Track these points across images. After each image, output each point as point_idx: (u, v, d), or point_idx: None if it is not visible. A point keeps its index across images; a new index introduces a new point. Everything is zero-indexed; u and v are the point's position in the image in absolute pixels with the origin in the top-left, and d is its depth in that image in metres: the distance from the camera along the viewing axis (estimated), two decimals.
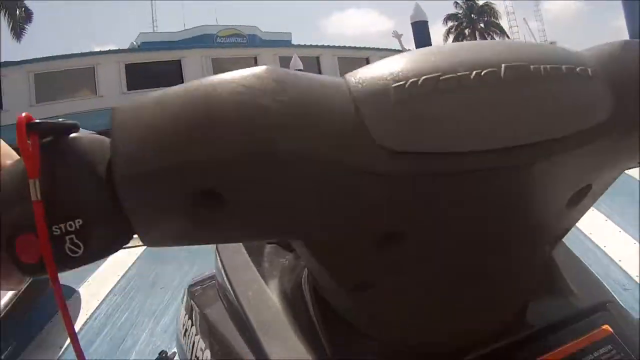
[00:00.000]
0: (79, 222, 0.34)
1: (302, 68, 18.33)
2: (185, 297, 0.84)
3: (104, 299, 4.53)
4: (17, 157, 0.40)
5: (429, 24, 15.25)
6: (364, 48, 38.34)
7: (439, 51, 0.38)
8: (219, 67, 33.07)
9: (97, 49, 69.07)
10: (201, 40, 34.62)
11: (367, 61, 37.23)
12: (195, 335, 0.71)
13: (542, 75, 0.36)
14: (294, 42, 38.73)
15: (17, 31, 25.09)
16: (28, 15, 25.47)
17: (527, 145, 0.35)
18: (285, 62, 19.68)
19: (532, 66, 0.36)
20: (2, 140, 0.43)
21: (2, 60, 27.80)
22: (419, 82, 0.35)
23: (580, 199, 0.43)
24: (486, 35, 48.79)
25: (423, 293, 0.43)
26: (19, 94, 28.27)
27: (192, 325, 0.74)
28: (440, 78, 0.35)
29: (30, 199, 0.33)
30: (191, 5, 79.42)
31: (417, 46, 13.98)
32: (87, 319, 4.18)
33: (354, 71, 0.39)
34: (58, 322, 4.04)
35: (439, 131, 0.34)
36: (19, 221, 0.34)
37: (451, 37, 47.56)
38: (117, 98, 29.58)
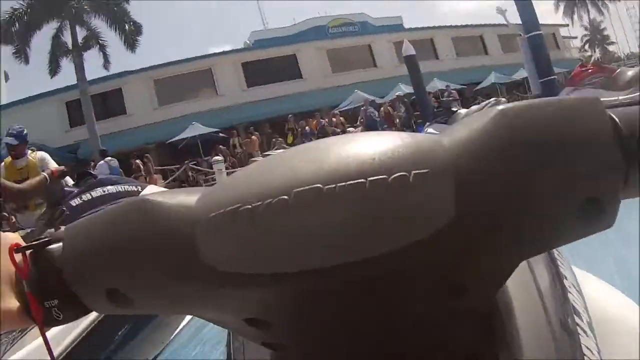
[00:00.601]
0: (55, 301, 0.53)
1: (414, 53, 17.84)
2: None
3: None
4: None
5: None
6: (475, 25, 37.16)
7: (252, 171, 0.47)
8: (335, 57, 33.06)
9: (212, 50, 71.39)
10: (313, 33, 34.63)
11: (482, 39, 36.27)
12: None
13: (335, 196, 0.39)
14: (405, 25, 38.02)
15: (130, 43, 26.03)
16: (137, 29, 26.40)
17: (346, 264, 0.39)
18: (399, 47, 19.16)
19: (325, 188, 0.39)
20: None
21: (121, 70, 28.93)
22: (224, 215, 0.42)
23: (463, 295, 0.43)
24: (597, 1, 46.37)
25: None
26: (141, 100, 29.49)
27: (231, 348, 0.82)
28: (238, 210, 0.41)
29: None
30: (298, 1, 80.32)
31: (523, 20, 13.79)
32: (190, 320, 4.33)
33: (206, 190, 0.48)
34: (162, 323, 4.19)
35: (245, 257, 0.42)
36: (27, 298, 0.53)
37: (562, 4, 45.25)
38: (238, 95, 30.19)
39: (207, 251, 0.43)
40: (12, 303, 0.54)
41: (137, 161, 18.55)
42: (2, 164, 5.33)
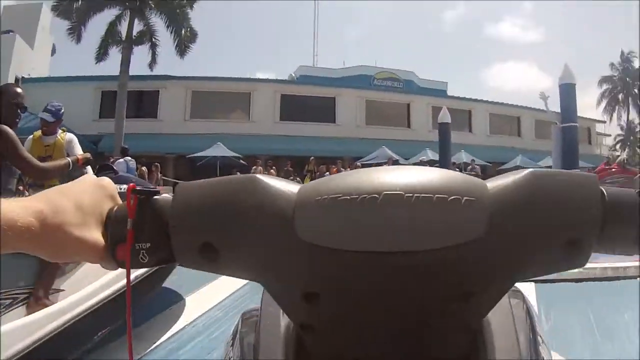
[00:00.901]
0: (148, 244, 0.62)
1: (449, 121, 17.91)
2: (237, 322, 0.93)
3: (207, 311, 4.97)
4: (120, 201, 0.69)
5: (587, 83, 14.28)
6: (516, 106, 37.23)
7: (347, 176, 0.59)
8: (372, 109, 33.13)
9: (257, 74, 72.24)
10: (358, 80, 34.68)
11: (518, 120, 36.26)
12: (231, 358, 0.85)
13: (412, 202, 0.54)
14: (450, 91, 38.30)
15: (182, 49, 26.05)
16: (193, 36, 26.42)
17: (407, 252, 0.53)
18: (437, 112, 19.17)
19: (405, 195, 0.54)
20: (112, 183, 0.69)
21: (164, 74, 29.01)
22: (325, 200, 0.56)
23: (469, 300, 0.57)
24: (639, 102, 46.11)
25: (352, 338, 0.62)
26: (175, 108, 29.70)
27: (231, 349, 0.87)
28: (337, 198, 0.55)
29: (127, 227, 0.62)
30: (353, 44, 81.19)
31: (562, 109, 13.69)
32: (186, 325, 4.52)
33: (308, 183, 0.60)
34: (159, 322, 4.58)
35: (335, 234, 0.54)
36: (120, 237, 0.62)
37: (604, 101, 45.04)
38: (269, 126, 30.29)
39: (304, 227, 0.56)
40: (99, 239, 0.63)
41: (144, 168, 18.46)
42: (31, 136, 5.36)
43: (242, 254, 0.59)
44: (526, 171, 0.58)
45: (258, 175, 0.61)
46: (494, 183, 0.58)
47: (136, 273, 3.75)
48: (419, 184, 0.55)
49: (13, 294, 3.15)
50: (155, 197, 0.65)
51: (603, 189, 0.59)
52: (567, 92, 13.59)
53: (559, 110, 14.19)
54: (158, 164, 20.27)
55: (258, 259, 0.59)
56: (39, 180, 3.43)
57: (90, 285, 3.59)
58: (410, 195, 0.54)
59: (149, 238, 0.63)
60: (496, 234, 0.54)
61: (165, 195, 0.65)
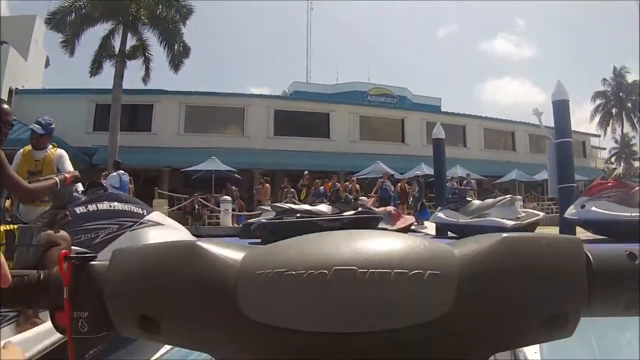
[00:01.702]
0: (86, 313, 0.59)
1: (443, 137, 18.00)
2: None
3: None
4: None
5: (580, 98, 14.41)
6: (510, 121, 37.58)
7: (295, 244, 0.54)
8: (366, 124, 33.26)
9: (251, 89, 72.43)
10: (351, 96, 34.87)
11: (512, 135, 36.48)
12: None
13: (366, 279, 0.48)
14: (444, 106, 38.54)
15: (175, 63, 26.14)
16: (186, 51, 26.55)
17: (360, 334, 0.48)
18: (431, 127, 19.29)
19: (359, 270, 0.49)
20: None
21: (158, 88, 29.07)
22: (268, 275, 0.50)
23: None
24: (633, 117, 46.54)
25: None
26: (169, 122, 29.71)
27: None
28: (283, 273, 0.50)
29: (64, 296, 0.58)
30: (346, 60, 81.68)
31: (556, 125, 13.89)
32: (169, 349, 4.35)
33: (253, 250, 0.56)
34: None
35: (280, 313, 0.50)
36: (59, 304, 0.59)
37: (598, 115, 45.41)
38: (264, 141, 30.33)
39: (247, 302, 0.51)
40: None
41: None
42: (21, 150, 5.29)
43: (183, 328, 0.55)
44: (499, 236, 0.52)
45: (199, 242, 0.56)
46: (462, 249, 0.52)
47: None
48: (375, 256, 0.50)
49: (2, 312, 3.01)
50: (92, 262, 0.62)
51: (588, 253, 0.54)
52: (561, 108, 13.82)
53: (553, 125, 14.32)
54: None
55: (201, 334, 0.55)
56: (26, 200, 3.36)
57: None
58: (365, 270, 0.49)
59: (86, 307, 0.59)
60: (465, 311, 0.49)
61: (103, 261, 0.61)
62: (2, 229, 3.14)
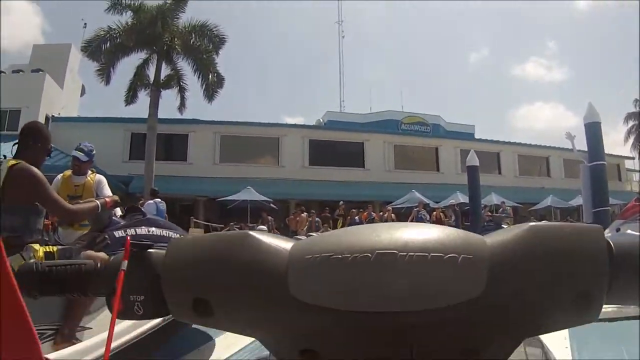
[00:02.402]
0: (142, 297, 0.64)
1: (478, 165, 17.88)
2: None
3: (236, 352, 4.61)
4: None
5: (614, 119, 14.10)
6: (543, 147, 37.06)
7: (341, 233, 0.60)
8: (401, 153, 33.22)
9: (285, 118, 72.88)
10: (385, 125, 34.82)
11: (547, 161, 35.96)
12: None
13: (406, 261, 0.53)
14: (477, 133, 38.29)
15: (210, 93, 26.21)
16: (220, 81, 26.54)
17: (401, 312, 0.52)
18: (465, 155, 19.25)
19: (399, 253, 0.53)
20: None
21: (192, 117, 29.38)
22: (317, 259, 0.55)
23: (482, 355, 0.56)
24: None
25: None
26: (204, 151, 29.93)
27: None
28: (330, 257, 0.55)
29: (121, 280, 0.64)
30: (378, 87, 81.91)
31: (589, 148, 13.59)
32: None
33: (301, 240, 0.61)
34: None
35: (327, 294, 0.54)
36: (115, 288, 0.63)
37: (632, 137, 44.57)
38: (299, 171, 30.43)
39: (296, 285, 0.55)
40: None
41: None
42: (60, 175, 5.41)
43: (235, 310, 0.60)
44: (526, 225, 0.58)
45: (251, 232, 0.62)
46: (493, 239, 0.57)
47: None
48: (413, 242, 0.56)
49: (39, 330, 3.09)
50: (149, 250, 0.68)
51: (610, 240, 0.58)
52: (593, 130, 13.50)
53: (586, 148, 14.13)
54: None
55: (252, 316, 0.60)
56: (68, 221, 3.41)
57: (118, 324, 3.49)
58: (404, 254, 0.54)
59: (142, 291, 0.65)
60: (496, 292, 0.53)
61: (159, 250, 0.67)
62: (41, 251, 3.22)
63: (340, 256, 0.54)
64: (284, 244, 0.60)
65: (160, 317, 0.66)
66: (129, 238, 0.67)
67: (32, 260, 0.59)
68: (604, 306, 0.56)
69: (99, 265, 0.71)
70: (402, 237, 0.56)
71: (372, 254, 0.54)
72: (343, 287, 0.54)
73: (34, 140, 3.61)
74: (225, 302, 0.59)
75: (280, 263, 0.58)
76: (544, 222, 0.59)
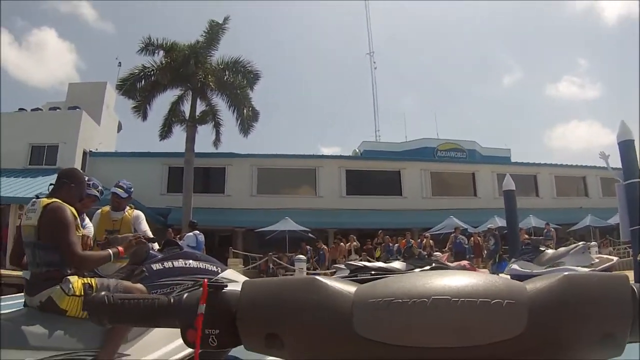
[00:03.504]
0: (217, 331, 0.76)
1: (514, 188, 17.76)
2: None
3: None
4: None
5: None
6: (580, 166, 36.50)
7: (399, 281, 0.71)
8: (438, 180, 33.11)
9: (321, 148, 72.99)
10: (421, 152, 34.82)
11: (584, 181, 35.36)
12: None
13: (457, 306, 0.64)
14: (514, 156, 38.04)
15: (245, 128, 26.59)
16: (254, 115, 26.96)
17: (452, 348, 0.63)
18: (502, 179, 19.16)
19: (452, 299, 0.65)
20: None
21: (229, 151, 29.70)
22: (380, 302, 0.67)
23: None
24: None
25: None
26: (241, 184, 30.15)
27: None
28: (392, 301, 0.67)
29: (198, 313, 0.76)
30: (414, 117, 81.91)
31: (624, 166, 13.33)
32: None
33: (363, 286, 0.73)
34: None
35: (389, 332, 0.65)
36: (190, 322, 0.77)
37: None
38: (336, 200, 30.45)
39: (362, 324, 0.67)
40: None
41: None
42: (99, 211, 5.60)
43: (304, 345, 0.70)
44: (561, 275, 0.69)
45: (317, 277, 0.74)
46: (533, 285, 0.69)
47: None
48: (463, 289, 0.67)
49: (78, 356, 3.18)
50: (224, 290, 0.80)
51: (633, 286, 0.69)
52: (627, 148, 13.18)
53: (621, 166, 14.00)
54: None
55: (320, 350, 0.69)
56: (76, 266, 3.50)
57: (155, 352, 3.64)
58: (457, 299, 0.65)
59: (218, 325, 0.77)
60: (535, 332, 0.64)
61: (233, 289, 0.79)
62: (79, 282, 3.33)
63: (400, 301, 0.67)
64: (348, 288, 0.73)
65: (232, 347, 0.79)
66: (205, 281, 0.80)
67: (103, 293, 0.71)
68: None
69: (172, 300, 0.84)
70: (454, 284, 0.68)
71: (428, 300, 0.66)
72: (403, 327, 0.65)
73: (69, 180, 3.77)
74: (296, 337, 0.71)
75: (346, 304, 0.70)
76: (577, 272, 0.71)
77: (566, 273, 0.69)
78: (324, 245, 23.76)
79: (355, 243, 22.57)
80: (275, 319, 0.72)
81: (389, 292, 0.69)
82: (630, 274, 12.83)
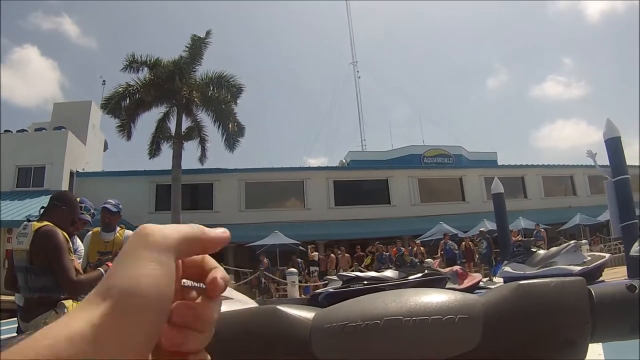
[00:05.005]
0: None
1: (502, 191, 17.87)
2: None
3: None
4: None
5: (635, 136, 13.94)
6: (567, 166, 36.82)
7: (354, 304, 0.72)
8: (425, 186, 33.20)
9: (307, 160, 73.16)
10: (408, 160, 34.89)
11: (572, 180, 35.58)
12: None
13: (410, 325, 0.65)
14: (501, 159, 38.26)
15: (231, 143, 26.65)
16: (240, 130, 26.96)
17: None
18: (490, 182, 19.23)
19: (404, 319, 0.66)
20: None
21: (216, 167, 29.80)
22: (335, 327, 0.68)
23: None
24: None
25: None
26: (229, 199, 30.08)
27: None
28: (346, 325, 0.67)
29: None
30: (399, 125, 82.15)
31: (612, 164, 13.56)
32: None
33: (321, 310, 0.74)
34: None
35: (346, 354, 0.66)
36: None
37: None
38: (325, 212, 30.47)
39: (319, 350, 0.68)
40: None
41: None
42: (90, 232, 5.50)
43: None
44: (515, 284, 0.68)
45: (279, 307, 0.74)
46: (486, 298, 0.69)
47: None
48: (415, 308, 0.68)
49: None
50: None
51: (591, 289, 0.68)
52: (613, 146, 13.41)
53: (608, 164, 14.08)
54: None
55: None
56: (69, 292, 3.44)
57: None
58: (408, 319, 0.66)
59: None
60: (490, 344, 0.64)
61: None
62: (73, 307, 3.28)
63: (354, 324, 0.67)
64: (307, 314, 0.73)
65: None
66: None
67: None
68: None
69: None
70: (406, 304, 0.69)
71: (381, 321, 0.66)
72: (359, 350, 0.66)
73: (61, 203, 3.75)
74: None
75: (304, 332, 0.70)
76: (530, 281, 0.70)
77: (521, 282, 0.69)
78: (318, 254, 23.72)
79: (346, 255, 22.51)
80: (238, 352, 0.71)
81: (342, 317, 0.70)
82: (623, 270, 12.88)
